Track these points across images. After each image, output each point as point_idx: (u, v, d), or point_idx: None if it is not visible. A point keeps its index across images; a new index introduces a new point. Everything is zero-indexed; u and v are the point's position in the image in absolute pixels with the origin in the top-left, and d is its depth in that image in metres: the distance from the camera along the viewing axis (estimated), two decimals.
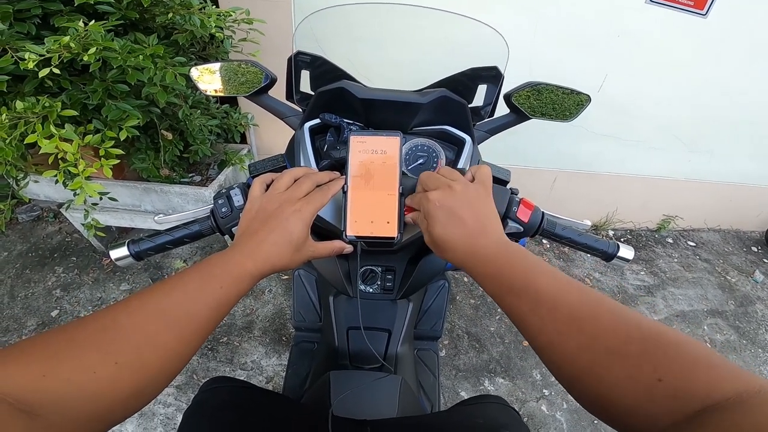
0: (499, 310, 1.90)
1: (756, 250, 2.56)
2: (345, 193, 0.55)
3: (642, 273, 2.24)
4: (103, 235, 1.38)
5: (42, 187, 1.82)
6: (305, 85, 0.79)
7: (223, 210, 0.55)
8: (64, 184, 1.11)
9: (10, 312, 1.66)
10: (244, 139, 1.91)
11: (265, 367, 1.57)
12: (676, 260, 2.37)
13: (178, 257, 1.92)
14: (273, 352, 1.61)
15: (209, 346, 1.61)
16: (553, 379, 1.64)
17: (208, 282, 0.40)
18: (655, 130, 2.04)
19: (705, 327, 1.98)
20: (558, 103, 0.79)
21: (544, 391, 1.63)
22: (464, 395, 1.58)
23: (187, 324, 0.37)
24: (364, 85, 0.75)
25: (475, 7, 1.60)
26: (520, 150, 2.05)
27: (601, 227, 2.44)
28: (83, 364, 0.30)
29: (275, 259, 0.45)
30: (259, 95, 0.77)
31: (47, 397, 0.28)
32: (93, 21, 0.92)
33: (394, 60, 1.20)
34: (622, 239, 2.45)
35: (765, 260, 2.49)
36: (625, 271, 2.23)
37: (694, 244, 2.51)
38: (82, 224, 1.55)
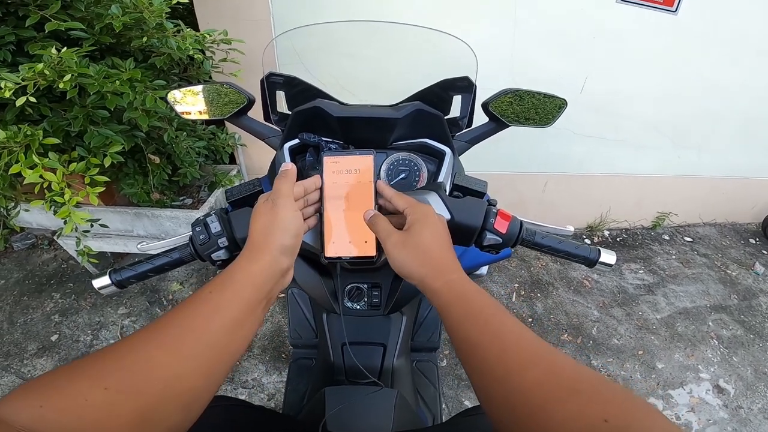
0: None
1: (754, 242, 2.55)
2: (321, 214, 0.55)
3: (641, 272, 2.23)
4: (97, 261, 1.38)
5: (34, 216, 1.82)
6: (282, 106, 0.80)
7: (201, 237, 0.55)
8: (54, 213, 1.11)
9: (11, 337, 1.66)
10: (233, 160, 1.91)
11: (266, 384, 1.56)
12: (674, 257, 2.35)
13: (175, 280, 1.92)
14: (273, 370, 1.61)
15: None
16: None
17: (210, 300, 0.39)
18: (640, 128, 2.05)
19: (710, 323, 1.96)
20: (540, 107, 0.80)
21: None
22: (468, 404, 1.56)
23: (193, 345, 0.35)
24: (341, 103, 0.75)
25: (453, 16, 1.62)
26: (509, 156, 2.05)
27: (596, 228, 2.44)
28: (74, 391, 0.30)
29: (277, 245, 0.45)
30: (239, 117, 0.77)
31: (49, 427, 0.28)
32: (65, 48, 0.92)
33: (372, 72, 1.21)
34: (617, 239, 2.45)
35: (764, 251, 2.47)
36: (624, 271, 2.22)
37: (691, 240, 2.50)
38: (76, 251, 1.55)
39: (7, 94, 0.85)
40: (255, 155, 1.91)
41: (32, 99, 0.88)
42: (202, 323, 0.37)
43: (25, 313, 1.76)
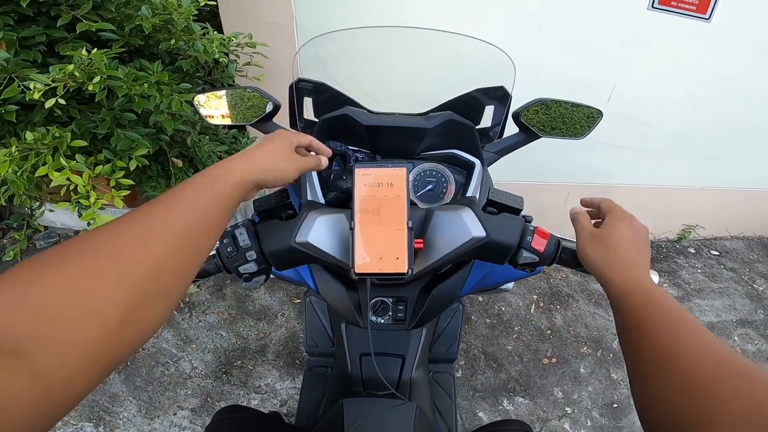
0: (516, 328, 1.85)
1: None
2: (352, 229, 0.54)
3: (665, 285, 2.17)
4: None
5: (58, 215, 1.85)
6: (309, 112, 0.79)
7: (228, 250, 0.54)
8: (79, 215, 1.12)
9: None
10: None
11: (279, 390, 1.56)
12: (699, 271, 2.28)
13: (192, 283, 1.94)
14: (287, 376, 1.60)
15: (223, 370, 1.61)
16: (576, 396, 1.61)
17: (195, 187, 0.41)
18: (668, 137, 2.00)
19: (735, 338, 1.91)
20: (568, 117, 0.77)
21: (567, 409, 1.58)
22: (482, 416, 1.54)
23: (169, 231, 0.35)
24: (369, 111, 0.74)
25: (478, 19, 1.61)
26: (532, 165, 2.01)
27: None
28: (65, 271, 0.28)
29: (267, 171, 0.48)
30: (264, 123, 0.77)
31: (38, 308, 0.25)
32: (95, 49, 0.92)
33: (400, 81, 1.20)
34: None
35: None
36: None
37: (717, 254, 2.43)
38: None
39: (37, 96, 0.85)
40: None
41: (62, 101, 0.88)
42: (176, 214, 0.37)
43: None
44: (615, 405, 1.60)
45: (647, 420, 0.38)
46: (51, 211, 1.58)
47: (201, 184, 0.41)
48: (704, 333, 0.39)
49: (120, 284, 0.29)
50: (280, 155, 0.50)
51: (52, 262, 0.29)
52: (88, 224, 1.16)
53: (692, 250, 2.43)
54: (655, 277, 0.57)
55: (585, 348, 1.79)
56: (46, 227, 1.97)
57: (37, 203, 1.33)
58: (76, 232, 1.67)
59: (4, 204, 1.02)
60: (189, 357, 1.64)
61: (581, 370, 1.71)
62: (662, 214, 2.33)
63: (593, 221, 0.57)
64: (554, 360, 1.74)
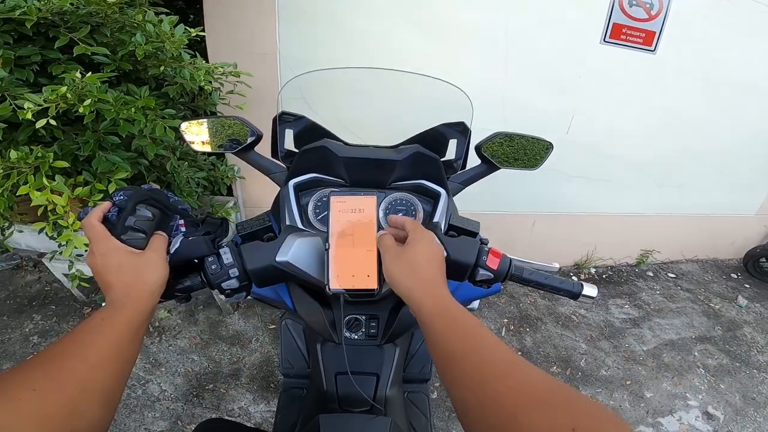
0: None
1: (735, 276, 2.64)
2: (327, 250, 0.58)
3: (626, 306, 2.27)
4: (87, 285, 1.37)
5: (24, 237, 1.80)
6: (289, 143, 0.84)
7: (213, 267, 0.57)
8: (52, 237, 1.11)
9: None
10: (230, 192, 1.93)
11: (253, 413, 1.54)
12: (658, 292, 2.41)
13: (163, 308, 1.90)
14: (261, 399, 1.58)
15: (194, 393, 1.57)
16: None
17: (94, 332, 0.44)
18: (623, 167, 2.12)
19: (696, 353, 2.01)
20: (529, 149, 0.85)
21: None
22: None
23: (97, 356, 0.42)
24: (345, 143, 0.79)
25: (450, 56, 1.69)
26: (498, 196, 2.09)
27: (582, 266, 2.50)
28: (8, 394, 0.35)
29: (143, 298, 0.48)
30: (245, 152, 0.80)
31: None
32: (89, 72, 0.94)
33: (374, 114, 1.26)
34: (603, 276, 2.50)
35: (746, 285, 2.56)
36: (610, 306, 2.26)
37: (674, 276, 2.57)
38: (65, 275, 1.52)
39: (29, 115, 0.86)
40: (252, 188, 1.93)
41: (53, 122, 0.90)
42: (99, 341, 0.43)
43: (3, 332, 1.72)
44: None
45: None
46: (20, 231, 1.55)
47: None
48: (506, 356, 0.41)
49: (59, 400, 0.37)
50: (125, 269, 0.49)
51: (13, 379, 0.37)
52: (59, 245, 1.15)
53: (651, 273, 2.57)
54: (594, 291, 0.64)
55: (554, 367, 1.85)
56: (12, 249, 1.91)
57: (7, 223, 1.30)
58: (40, 255, 1.63)
59: None
60: (158, 380, 1.60)
61: None
62: (621, 241, 2.46)
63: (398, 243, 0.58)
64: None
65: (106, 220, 0.52)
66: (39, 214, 1.01)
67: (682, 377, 1.87)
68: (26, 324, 1.77)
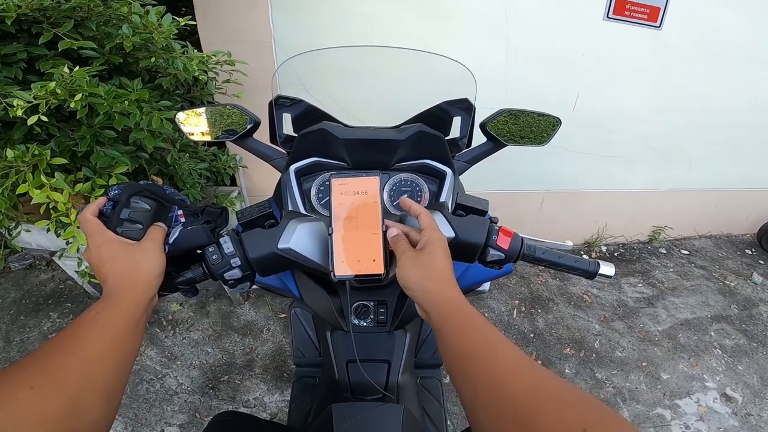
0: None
1: (750, 252, 2.59)
2: (330, 235, 0.56)
3: (640, 285, 2.24)
4: (98, 281, 1.38)
5: (34, 236, 1.82)
6: (288, 128, 0.82)
7: (214, 257, 0.56)
8: (57, 234, 1.11)
9: (6, 355, 1.65)
10: (234, 182, 1.92)
11: (268, 403, 1.55)
12: (672, 270, 2.38)
13: (174, 301, 1.92)
14: (275, 389, 1.60)
15: (210, 385, 1.59)
16: None
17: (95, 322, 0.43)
18: (631, 143, 2.09)
19: (712, 333, 1.98)
20: (535, 126, 0.82)
21: None
22: None
23: (97, 351, 0.41)
24: (345, 125, 0.77)
25: (450, 37, 1.67)
26: (506, 174, 2.08)
27: (593, 244, 2.46)
28: (6, 393, 0.34)
29: (139, 290, 0.47)
30: (244, 139, 0.79)
31: None
32: (77, 66, 0.92)
33: (374, 96, 1.24)
34: (615, 254, 2.47)
35: (761, 261, 2.51)
36: (623, 285, 2.23)
37: (687, 253, 2.53)
38: (76, 272, 1.54)
39: (20, 113, 0.85)
40: (256, 177, 1.93)
41: (44, 118, 0.89)
42: (96, 335, 0.42)
43: (22, 332, 1.75)
44: None
45: None
46: (27, 231, 1.56)
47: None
48: (519, 355, 0.41)
49: (58, 398, 0.36)
50: (125, 259, 0.48)
51: (11, 377, 0.36)
52: (67, 242, 1.16)
53: (663, 251, 2.53)
54: (611, 269, 0.61)
55: (568, 349, 1.84)
56: (22, 248, 1.93)
57: (13, 223, 1.31)
58: (52, 254, 1.65)
59: None
60: (174, 374, 1.63)
61: (566, 370, 1.75)
62: (632, 217, 2.42)
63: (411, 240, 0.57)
64: (539, 362, 1.78)
65: (101, 215, 0.52)
66: (42, 212, 1.01)
67: (699, 358, 1.85)
68: (44, 322, 1.80)
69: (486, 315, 1.97)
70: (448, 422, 1.00)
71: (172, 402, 1.53)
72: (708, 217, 2.56)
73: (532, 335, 1.90)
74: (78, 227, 1.02)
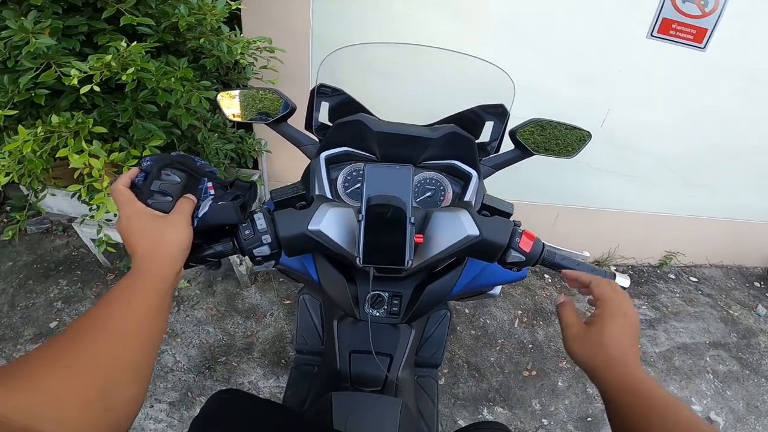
0: (500, 341, 1.90)
1: (759, 285, 2.58)
2: (359, 221, 0.59)
3: (644, 307, 2.24)
4: (113, 251, 1.41)
5: (56, 201, 1.85)
6: (323, 116, 0.84)
7: (246, 232, 0.57)
8: (85, 201, 1.14)
9: (8, 321, 1.65)
10: (256, 165, 1.95)
11: (262, 388, 1.57)
12: (678, 295, 2.37)
13: (182, 277, 1.94)
14: (271, 374, 1.61)
15: (207, 365, 1.61)
16: (552, 408, 1.65)
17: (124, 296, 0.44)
18: (655, 165, 2.06)
19: (707, 358, 1.99)
20: (561, 138, 0.83)
21: (543, 420, 1.62)
22: (462, 423, 1.57)
23: (127, 326, 0.41)
24: (380, 119, 0.79)
25: (477, 42, 1.67)
26: (524, 185, 2.06)
27: (603, 263, 2.46)
28: (41, 372, 0.34)
29: (166, 262, 0.48)
30: (279, 123, 0.81)
31: (24, 406, 0.31)
32: (134, 42, 0.96)
33: (407, 94, 1.26)
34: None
35: (767, 295, 2.49)
36: None
37: (696, 280, 2.52)
38: (92, 240, 1.57)
39: (75, 82, 0.88)
40: (278, 162, 1.95)
41: (96, 88, 0.91)
42: (125, 312, 0.42)
43: (28, 297, 1.76)
44: (589, 419, 1.65)
45: None
46: (53, 195, 1.60)
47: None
48: (706, 427, 0.39)
49: (93, 377, 0.36)
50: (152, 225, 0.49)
51: (46, 356, 0.36)
52: (90, 209, 1.19)
53: (672, 276, 2.52)
54: (626, 281, 0.63)
55: (564, 363, 1.85)
56: (45, 212, 1.97)
57: (41, 186, 1.35)
58: (70, 220, 1.67)
59: (17, 181, 1.05)
60: (173, 350, 1.64)
61: (559, 383, 1.76)
62: (646, 240, 2.41)
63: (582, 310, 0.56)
64: (534, 373, 1.79)
65: (133, 186, 0.53)
66: (75, 177, 1.04)
67: (690, 381, 1.86)
68: (51, 289, 1.81)
69: (488, 322, 1.99)
70: (440, 423, 1.01)
71: (166, 379, 1.54)
72: (722, 247, 2.54)
73: (530, 346, 1.91)
74: (108, 194, 1.06)
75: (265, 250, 0.58)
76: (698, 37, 1.67)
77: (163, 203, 0.52)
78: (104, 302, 0.42)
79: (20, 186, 1.24)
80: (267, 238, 0.58)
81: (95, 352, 0.37)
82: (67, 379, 0.34)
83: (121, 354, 0.39)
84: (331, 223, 0.61)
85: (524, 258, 0.61)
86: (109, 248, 1.41)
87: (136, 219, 0.49)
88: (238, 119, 0.84)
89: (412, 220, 0.58)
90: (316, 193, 0.72)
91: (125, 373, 0.39)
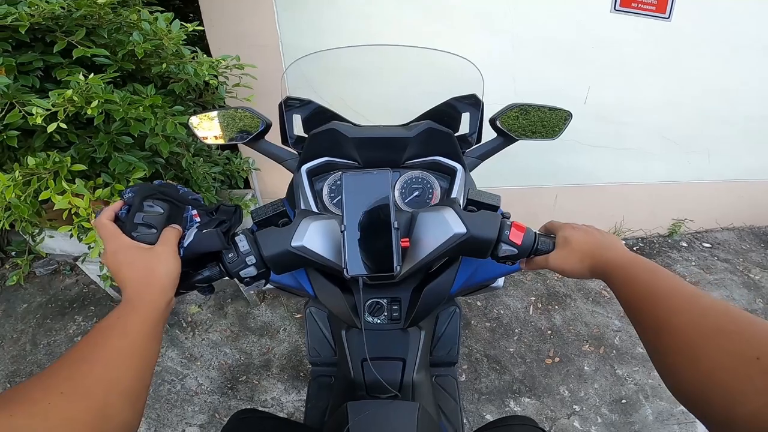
0: (516, 330, 1.87)
1: None
2: (343, 233, 0.57)
3: None
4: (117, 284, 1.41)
5: (57, 242, 1.87)
6: (299, 129, 0.83)
7: (230, 256, 0.57)
8: (79, 239, 1.15)
9: (34, 358, 1.71)
10: (247, 184, 1.94)
11: (285, 403, 1.57)
12: (694, 263, 2.31)
13: (193, 302, 1.96)
14: (292, 388, 1.61)
15: (229, 386, 1.62)
16: (582, 393, 1.62)
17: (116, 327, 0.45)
18: (648, 135, 2.04)
19: None
20: (545, 120, 0.81)
21: (575, 407, 1.59)
22: (489, 418, 1.55)
23: (120, 354, 0.42)
24: (354, 124, 0.78)
25: (453, 34, 1.66)
26: (518, 170, 2.05)
27: None
28: (38, 398, 0.35)
29: (155, 296, 0.48)
30: (256, 141, 0.80)
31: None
32: (92, 74, 0.95)
33: (381, 95, 1.25)
34: (634, 248, 2.41)
35: None
36: None
37: (709, 245, 2.46)
38: (98, 276, 1.58)
39: (39, 120, 0.87)
40: (269, 179, 1.95)
41: (63, 125, 0.91)
42: (118, 341, 0.43)
43: (48, 335, 1.81)
44: (624, 401, 1.60)
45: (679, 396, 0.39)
46: (51, 237, 1.61)
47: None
48: (683, 296, 0.42)
49: (88, 404, 0.37)
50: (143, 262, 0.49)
51: (42, 383, 0.37)
52: (89, 248, 1.19)
53: (684, 244, 2.46)
54: None
55: (587, 346, 1.81)
56: (47, 254, 2.00)
57: (37, 229, 1.36)
58: (75, 259, 1.70)
59: (8, 228, 1.05)
60: (194, 374, 1.66)
61: (585, 368, 1.72)
62: (651, 211, 2.37)
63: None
64: (557, 359, 1.75)
65: (117, 219, 0.53)
66: (64, 218, 1.04)
67: None
68: (69, 326, 1.85)
69: (502, 312, 1.96)
70: (464, 420, 0.99)
71: (192, 402, 1.56)
72: (730, 209, 2.48)
73: (549, 332, 1.87)
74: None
75: (251, 271, 0.58)
76: (660, 7, 1.68)
77: (148, 235, 0.52)
78: (98, 331, 0.43)
79: (18, 231, 1.26)
80: (251, 259, 0.57)
81: (90, 379, 0.38)
82: (62, 405, 0.35)
83: (116, 380, 0.40)
84: (314, 236, 0.59)
85: (516, 251, 0.59)
86: (113, 283, 1.42)
87: (122, 253, 0.49)
88: (216, 142, 0.83)
89: (396, 225, 0.57)
90: (302, 206, 0.71)
91: (120, 399, 0.39)
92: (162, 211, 0.54)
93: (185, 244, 0.54)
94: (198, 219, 0.59)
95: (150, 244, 0.51)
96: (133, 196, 0.53)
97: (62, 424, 0.34)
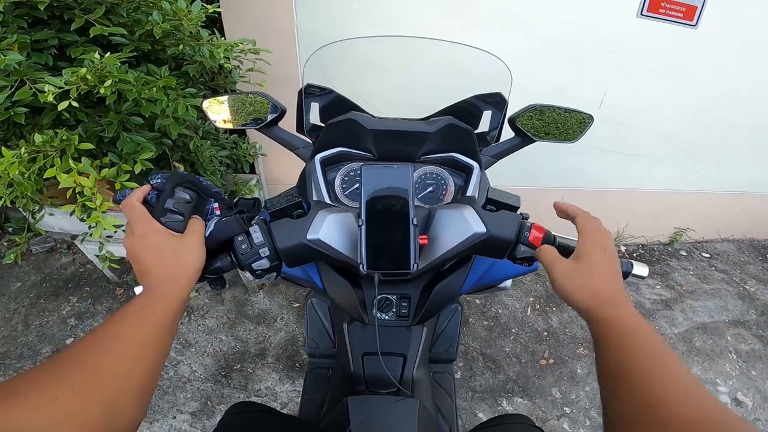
0: (514, 330, 1.88)
1: None
2: (360, 227, 0.56)
3: (658, 287, 2.20)
4: (118, 266, 1.40)
5: (56, 220, 1.85)
6: (315, 117, 0.81)
7: (243, 247, 0.55)
8: (81, 219, 1.13)
9: (25, 339, 1.68)
10: (253, 170, 1.93)
11: (279, 393, 1.57)
12: (691, 272, 2.33)
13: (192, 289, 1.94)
14: (287, 379, 1.61)
15: (223, 374, 1.61)
16: (573, 396, 1.63)
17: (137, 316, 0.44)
18: (659, 142, 2.04)
19: (728, 337, 1.95)
20: (561, 122, 0.80)
21: (565, 408, 1.60)
22: (482, 416, 1.56)
23: (132, 349, 0.41)
24: (373, 116, 0.76)
25: (470, 28, 1.64)
26: (526, 170, 2.04)
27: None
28: (44, 392, 0.33)
29: (180, 285, 0.48)
30: (269, 127, 0.79)
31: (23, 427, 0.30)
32: (107, 53, 0.93)
33: (401, 88, 1.22)
34: (634, 254, 2.42)
35: None
36: (641, 287, 2.20)
37: (708, 256, 2.47)
38: (97, 256, 1.56)
39: (50, 98, 0.85)
40: (275, 165, 1.93)
41: (74, 104, 0.89)
42: (135, 333, 0.42)
43: (41, 315, 1.78)
44: None
45: None
46: (51, 215, 1.59)
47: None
48: (687, 381, 0.39)
49: (97, 399, 0.35)
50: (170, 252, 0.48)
51: (50, 375, 0.35)
52: (89, 227, 1.17)
53: (684, 253, 2.48)
54: (645, 270, 0.60)
55: (581, 349, 1.82)
56: (45, 232, 1.97)
57: (38, 207, 1.34)
58: (73, 237, 1.67)
59: (9, 205, 1.03)
60: (188, 361, 1.65)
61: (578, 370, 1.73)
62: (654, 218, 2.37)
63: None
64: (551, 361, 1.77)
65: (146, 203, 0.52)
66: (68, 197, 1.02)
67: (713, 362, 1.82)
68: (63, 306, 1.83)
69: (500, 312, 1.96)
70: (459, 418, 1.00)
71: (184, 389, 1.55)
72: (733, 221, 2.49)
73: (545, 333, 1.88)
74: (103, 212, 1.04)
75: (264, 264, 0.56)
76: (688, 14, 1.66)
77: (176, 222, 0.51)
78: (115, 320, 0.41)
79: (18, 208, 1.24)
80: (265, 251, 0.56)
81: (101, 374, 0.37)
82: (71, 401, 0.33)
83: (128, 376, 0.39)
84: (330, 230, 0.58)
85: (534, 252, 0.58)
86: (113, 264, 1.40)
87: (152, 237, 0.48)
88: (229, 126, 0.82)
89: (415, 222, 0.56)
90: (314, 197, 0.70)
91: (129, 396, 0.38)
92: (190, 199, 0.54)
93: (206, 235, 0.54)
94: (218, 212, 0.58)
95: (177, 231, 0.50)
96: (165, 182, 0.53)
97: (68, 422, 0.32)
